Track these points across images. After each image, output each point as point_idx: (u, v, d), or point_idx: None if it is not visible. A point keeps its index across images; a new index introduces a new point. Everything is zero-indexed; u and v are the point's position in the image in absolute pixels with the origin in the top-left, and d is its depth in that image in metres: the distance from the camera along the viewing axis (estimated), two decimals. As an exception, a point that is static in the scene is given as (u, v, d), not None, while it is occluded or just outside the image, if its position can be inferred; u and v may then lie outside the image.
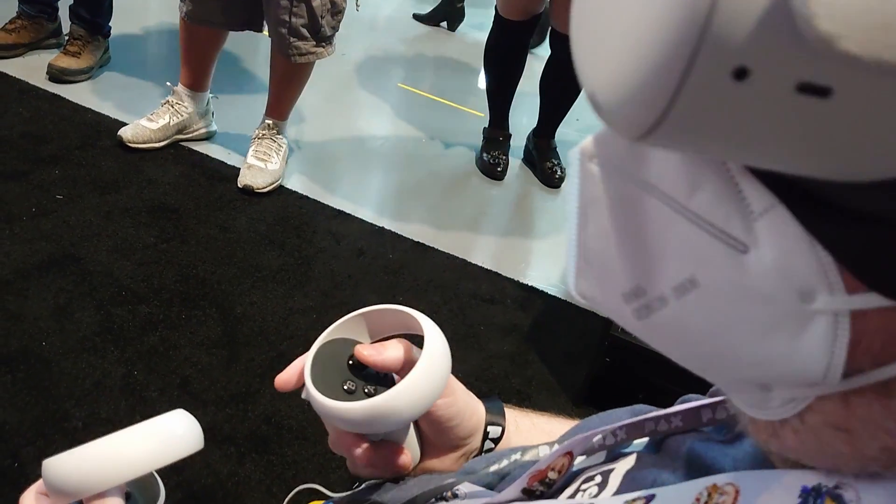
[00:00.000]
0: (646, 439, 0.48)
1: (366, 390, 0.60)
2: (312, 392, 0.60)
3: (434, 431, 0.65)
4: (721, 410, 0.44)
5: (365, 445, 0.62)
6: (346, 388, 0.60)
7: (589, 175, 0.31)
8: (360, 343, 0.64)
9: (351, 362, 0.62)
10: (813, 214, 0.26)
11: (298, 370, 0.63)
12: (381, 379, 0.62)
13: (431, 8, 4.26)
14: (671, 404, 0.55)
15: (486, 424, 0.67)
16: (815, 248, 0.26)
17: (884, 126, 0.21)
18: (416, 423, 0.65)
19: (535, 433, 0.69)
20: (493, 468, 0.55)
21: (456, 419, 0.64)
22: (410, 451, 0.65)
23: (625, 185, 0.30)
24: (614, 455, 0.47)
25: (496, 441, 0.67)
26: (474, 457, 0.67)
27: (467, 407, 0.65)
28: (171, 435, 0.56)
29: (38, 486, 0.59)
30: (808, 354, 0.27)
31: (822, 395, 0.29)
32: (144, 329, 1.96)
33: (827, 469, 0.31)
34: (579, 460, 0.48)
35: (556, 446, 0.51)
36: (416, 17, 4.23)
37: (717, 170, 0.27)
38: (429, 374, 0.58)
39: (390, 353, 0.60)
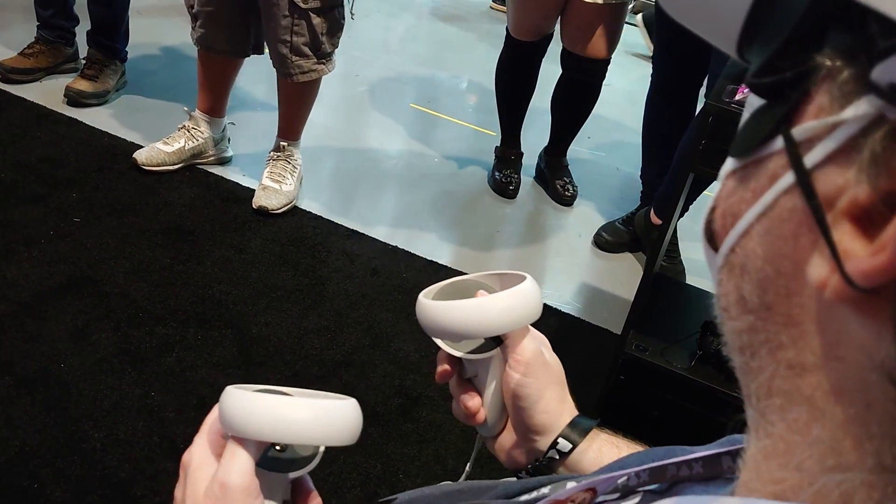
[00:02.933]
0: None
1: None
2: (420, 296, 0.70)
3: (510, 407, 0.71)
4: (741, 460, 0.44)
5: (447, 367, 0.73)
6: None
7: None
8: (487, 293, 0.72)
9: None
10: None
11: None
12: None
13: None
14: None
15: (559, 436, 0.69)
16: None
17: None
18: (501, 393, 0.71)
19: (592, 460, 0.70)
20: (524, 498, 0.56)
21: (527, 402, 0.69)
22: (487, 409, 0.72)
23: None
24: (627, 492, 0.48)
25: (563, 454, 0.69)
26: (533, 465, 0.70)
27: (542, 399, 0.69)
28: (340, 421, 0.57)
29: (208, 426, 0.62)
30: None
31: (719, 272, 0.33)
32: (161, 350, 1.98)
33: (739, 375, 0.34)
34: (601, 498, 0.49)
35: (583, 481, 0.52)
36: None
37: None
38: (500, 302, 0.67)
39: None
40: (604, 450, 0.70)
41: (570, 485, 0.55)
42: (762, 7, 0.29)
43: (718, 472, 0.45)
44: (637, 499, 0.46)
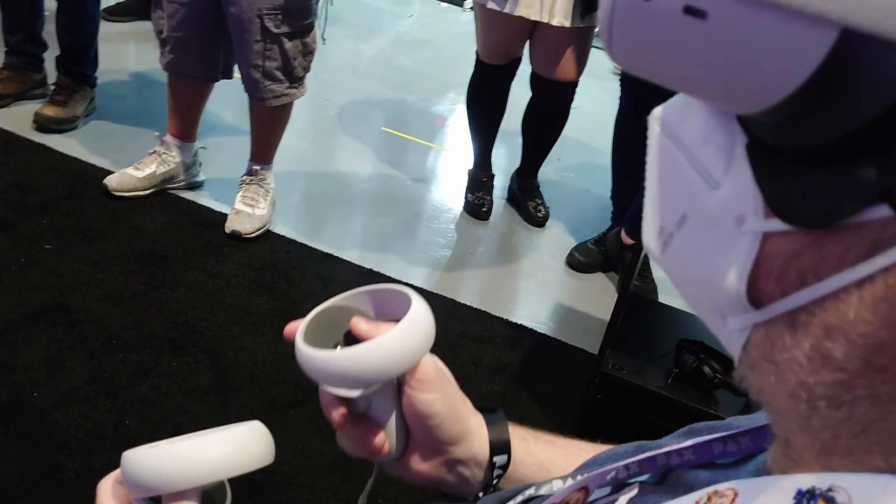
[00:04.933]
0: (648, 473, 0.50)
1: None
2: (298, 340, 0.62)
3: (417, 427, 0.66)
4: (732, 444, 0.45)
5: (342, 410, 0.63)
6: (335, 348, 0.62)
7: (653, 134, 0.38)
8: (361, 316, 0.65)
9: (348, 331, 0.64)
10: (754, 151, 0.32)
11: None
12: None
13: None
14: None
15: (492, 454, 0.68)
16: (752, 182, 0.32)
17: (749, 54, 0.27)
18: (401, 416, 0.66)
19: (529, 461, 0.70)
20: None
21: (438, 419, 0.65)
22: (389, 439, 0.65)
23: (667, 142, 0.37)
24: (619, 486, 0.49)
25: (504, 468, 0.68)
26: (483, 494, 0.68)
27: (454, 410, 0.66)
28: (252, 446, 0.59)
29: (115, 474, 0.62)
30: (731, 270, 0.32)
31: (757, 326, 0.33)
32: (135, 377, 1.96)
33: (777, 410, 0.34)
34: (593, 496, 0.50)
35: (570, 481, 0.52)
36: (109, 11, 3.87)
37: (725, 129, 0.33)
38: (405, 336, 0.60)
39: (383, 329, 0.62)
40: (516, 446, 0.69)
41: (557, 483, 0.55)
42: (839, 63, 0.26)
43: (710, 458, 0.46)
44: (634, 492, 0.47)
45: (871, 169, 0.27)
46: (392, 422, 0.65)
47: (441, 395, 0.65)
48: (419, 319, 0.62)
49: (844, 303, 0.29)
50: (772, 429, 0.36)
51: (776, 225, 0.31)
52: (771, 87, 0.27)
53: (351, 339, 0.63)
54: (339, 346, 0.63)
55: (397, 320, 0.63)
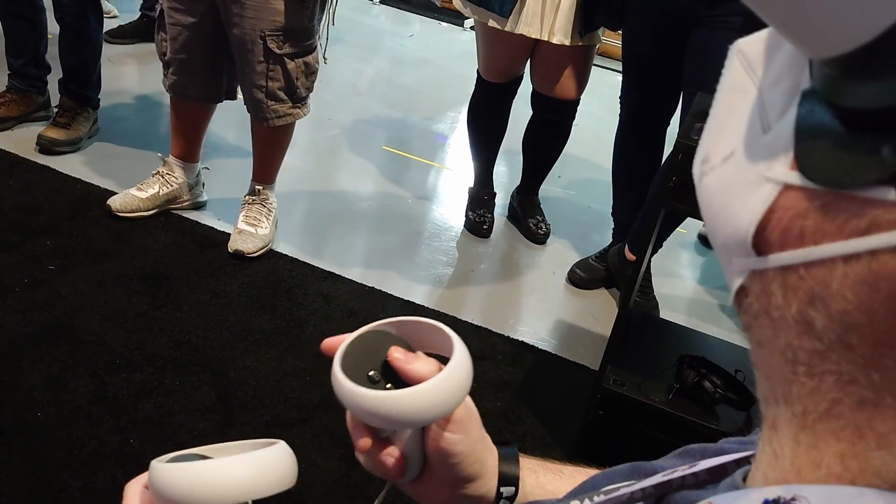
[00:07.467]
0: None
1: (387, 386, 0.62)
2: (336, 367, 0.62)
3: (437, 460, 0.66)
4: (733, 466, 0.46)
5: (368, 439, 0.64)
6: (370, 376, 0.62)
7: (731, 64, 0.38)
8: (398, 345, 0.65)
9: (385, 359, 0.64)
10: (806, 99, 0.31)
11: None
12: (406, 385, 0.62)
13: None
14: (664, 455, 0.57)
15: (500, 485, 0.68)
16: (791, 132, 0.31)
17: None
18: (421, 444, 0.66)
19: (538, 493, 0.70)
20: None
21: (459, 458, 0.65)
22: (408, 464, 0.66)
23: (744, 76, 0.36)
24: None
25: (511, 499, 0.68)
26: None
27: (474, 453, 0.66)
28: (276, 469, 0.59)
29: (144, 478, 0.63)
30: (747, 212, 0.32)
31: (754, 275, 0.33)
32: (139, 397, 1.97)
33: (769, 370, 0.34)
34: None
35: (576, 503, 0.53)
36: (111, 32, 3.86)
37: (796, 74, 0.33)
38: (447, 386, 0.60)
39: (419, 365, 0.62)
40: (526, 480, 0.70)
41: None
42: None
43: (722, 476, 0.46)
44: None
45: (890, 148, 0.27)
46: (413, 448, 0.66)
47: (466, 436, 0.65)
48: (463, 365, 0.62)
49: (830, 274, 0.29)
50: (762, 404, 0.36)
51: (795, 178, 0.31)
52: (840, 35, 0.27)
53: (387, 368, 0.63)
54: (373, 373, 0.63)
55: (432, 354, 0.64)
